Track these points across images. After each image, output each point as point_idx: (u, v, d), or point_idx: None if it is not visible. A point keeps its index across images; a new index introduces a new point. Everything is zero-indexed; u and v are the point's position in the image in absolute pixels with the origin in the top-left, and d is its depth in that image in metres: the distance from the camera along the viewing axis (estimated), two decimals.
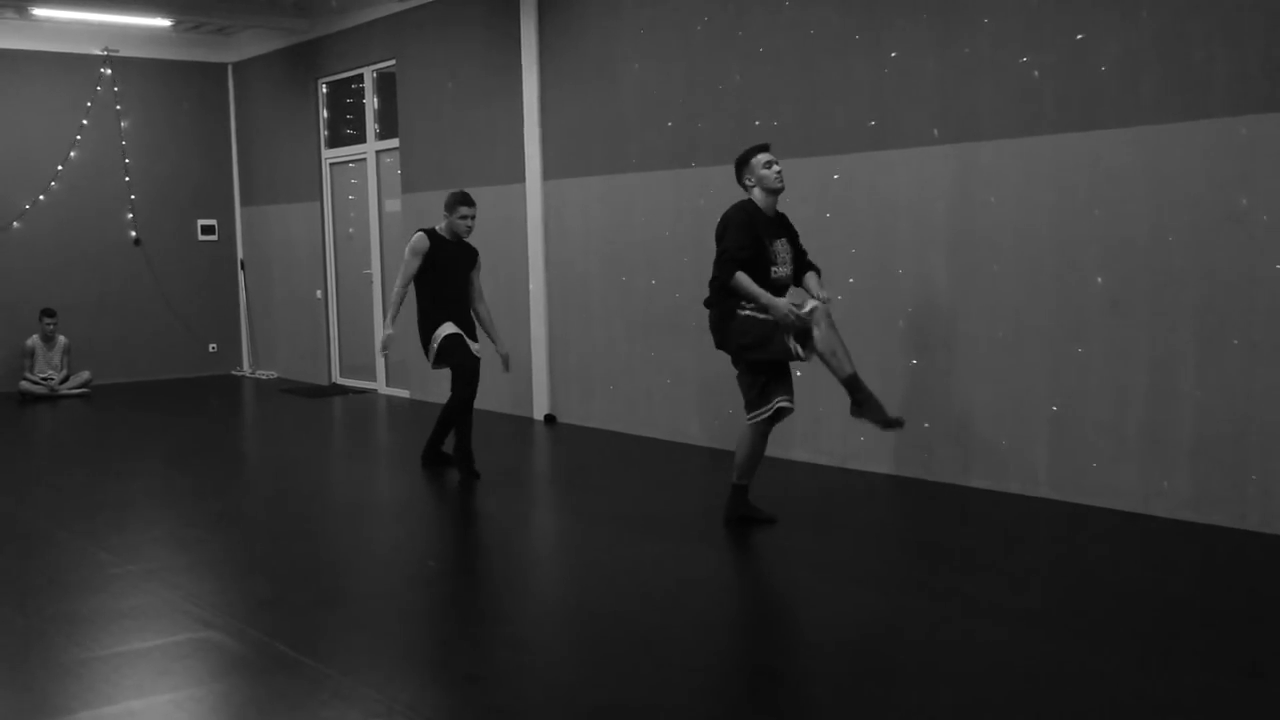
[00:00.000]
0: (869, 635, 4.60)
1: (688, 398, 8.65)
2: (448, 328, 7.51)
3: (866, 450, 7.40)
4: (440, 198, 11.02)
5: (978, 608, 4.77)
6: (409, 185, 11.44)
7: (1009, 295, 6.67)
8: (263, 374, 13.96)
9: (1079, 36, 6.25)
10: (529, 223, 9.97)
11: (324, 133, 12.86)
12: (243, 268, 14.34)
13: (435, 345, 7.51)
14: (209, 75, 14.06)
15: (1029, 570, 5.37)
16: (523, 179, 10.01)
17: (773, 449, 7.95)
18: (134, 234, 13.53)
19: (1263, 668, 4.06)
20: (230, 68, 14.18)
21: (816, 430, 7.72)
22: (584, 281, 9.56)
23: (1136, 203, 6.10)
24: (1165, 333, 6.02)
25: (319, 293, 13.07)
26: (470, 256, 7.76)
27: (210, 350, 14.20)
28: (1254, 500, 5.70)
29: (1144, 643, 4.34)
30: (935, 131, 6.95)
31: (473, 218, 7.66)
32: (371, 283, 12.27)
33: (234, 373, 14.26)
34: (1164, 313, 6.01)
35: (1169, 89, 5.94)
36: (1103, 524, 6.02)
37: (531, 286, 9.98)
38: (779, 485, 7.02)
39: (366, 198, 12.33)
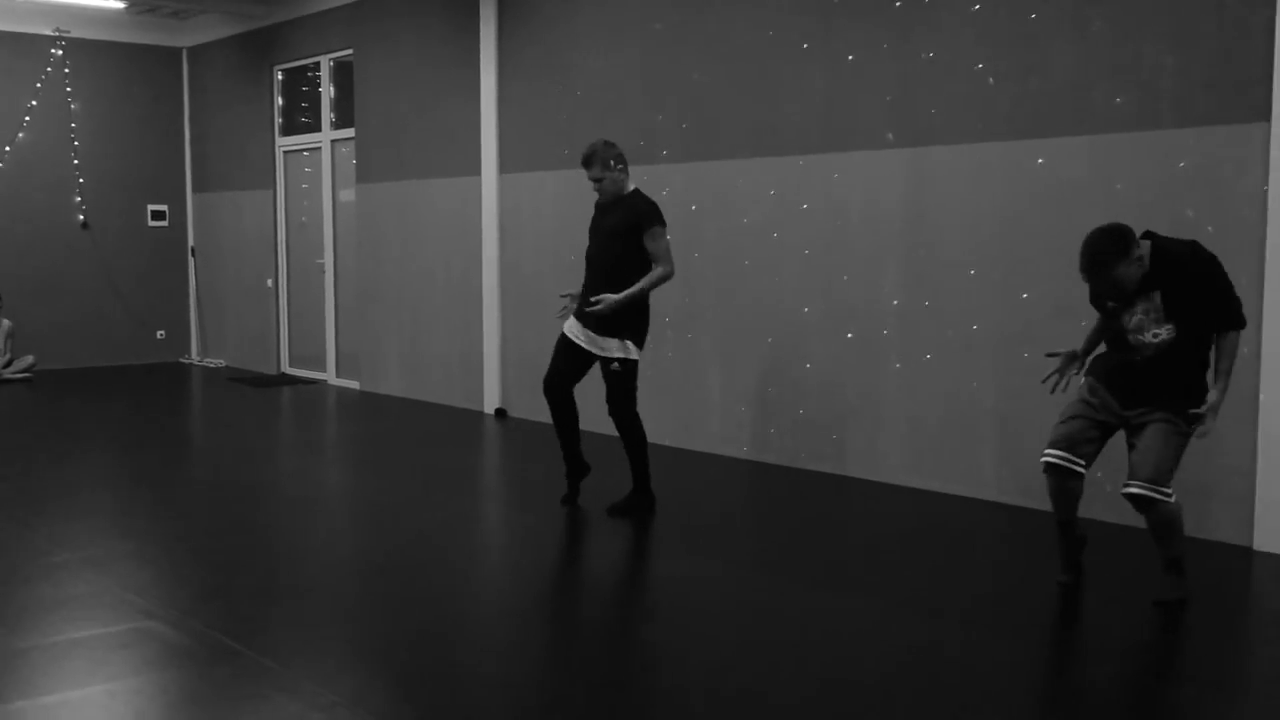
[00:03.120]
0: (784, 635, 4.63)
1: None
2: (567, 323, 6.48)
3: (816, 451, 7.43)
4: (396, 188, 11.05)
5: (891, 600, 4.82)
6: (364, 175, 11.36)
7: (958, 299, 6.73)
8: (211, 362, 13.82)
9: (1033, 44, 6.32)
10: (484, 216, 9.93)
11: (279, 120, 12.73)
12: (193, 254, 14.17)
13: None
14: (163, 59, 13.88)
15: (940, 566, 5.43)
16: (479, 172, 9.97)
17: (696, 443, 8.00)
18: (82, 218, 13.33)
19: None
20: (185, 52, 14.00)
21: (765, 431, 7.75)
22: (537, 275, 9.54)
23: (1086, 211, 6.15)
24: None
25: (270, 281, 12.95)
26: (620, 217, 6.23)
27: (158, 337, 14.02)
28: (1200, 507, 5.78)
29: (1072, 640, 4.40)
30: (889, 135, 7.00)
31: (592, 180, 6.30)
32: (324, 272, 12.18)
33: (182, 360, 14.10)
34: None
35: (1120, 99, 6.02)
36: (1037, 524, 6.09)
37: (485, 279, 9.95)
38: (703, 480, 7.06)
39: (320, 187, 12.22)
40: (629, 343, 6.18)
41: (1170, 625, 4.65)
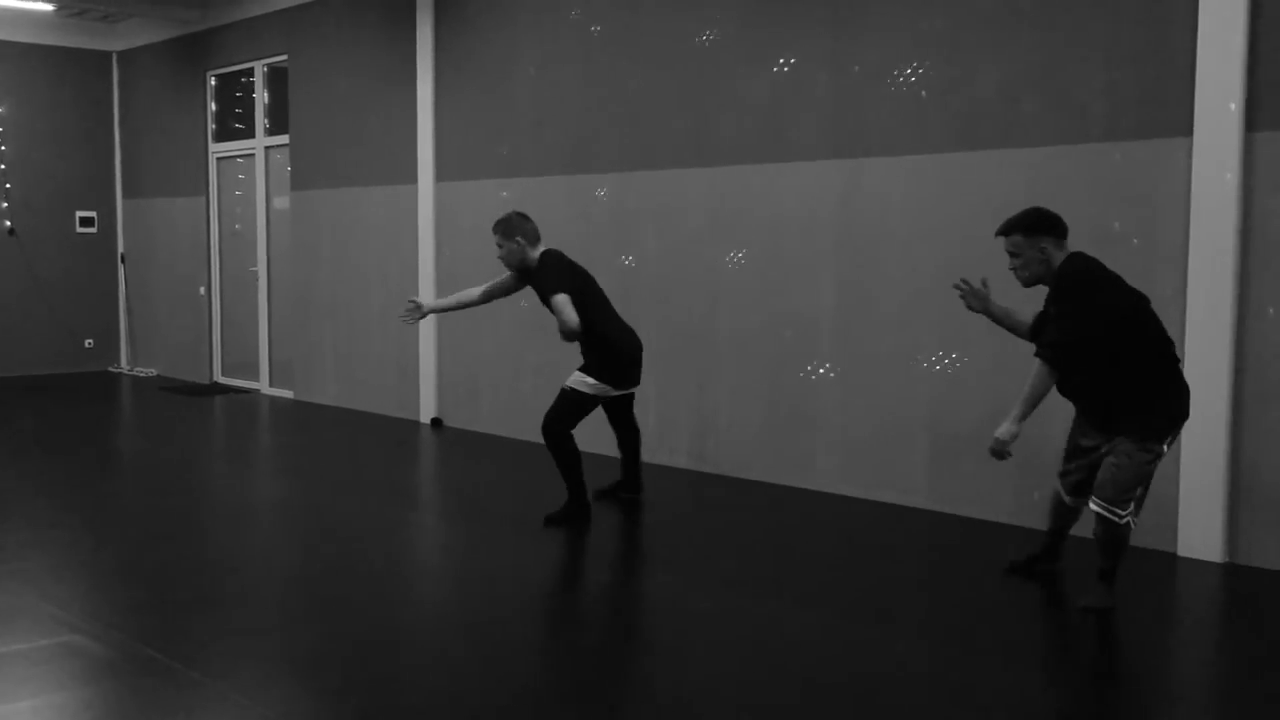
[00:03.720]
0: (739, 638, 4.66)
1: None
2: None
3: (753, 460, 7.47)
4: (331, 196, 10.95)
5: (810, 603, 4.86)
6: (299, 183, 11.25)
7: (893, 308, 6.81)
8: (141, 371, 13.59)
9: (964, 59, 6.41)
10: (420, 224, 9.88)
11: (211, 126, 12.58)
12: (123, 261, 13.94)
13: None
14: (93, 63, 13.65)
15: (888, 576, 5.49)
16: (415, 180, 9.92)
17: (648, 454, 8.02)
18: (8, 224, 13.06)
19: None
20: (115, 56, 13.79)
21: (704, 437, 7.78)
22: (473, 284, 9.48)
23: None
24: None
25: (202, 289, 12.78)
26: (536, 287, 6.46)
27: (86, 345, 13.78)
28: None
29: (993, 647, 4.46)
30: (824, 146, 7.07)
31: (498, 246, 6.45)
32: (258, 280, 12.04)
33: (111, 369, 13.86)
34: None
35: (1048, 113, 6.13)
36: (967, 531, 6.17)
37: (421, 288, 9.89)
38: (662, 492, 7.07)
39: (254, 194, 12.09)
40: (588, 377, 6.37)
41: (1097, 631, 4.73)
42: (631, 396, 6.75)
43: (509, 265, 6.48)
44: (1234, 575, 5.46)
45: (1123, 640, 4.70)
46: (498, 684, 4.12)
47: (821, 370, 7.15)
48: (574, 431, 6.34)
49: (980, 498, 6.48)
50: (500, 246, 6.42)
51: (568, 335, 6.09)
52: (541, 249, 6.41)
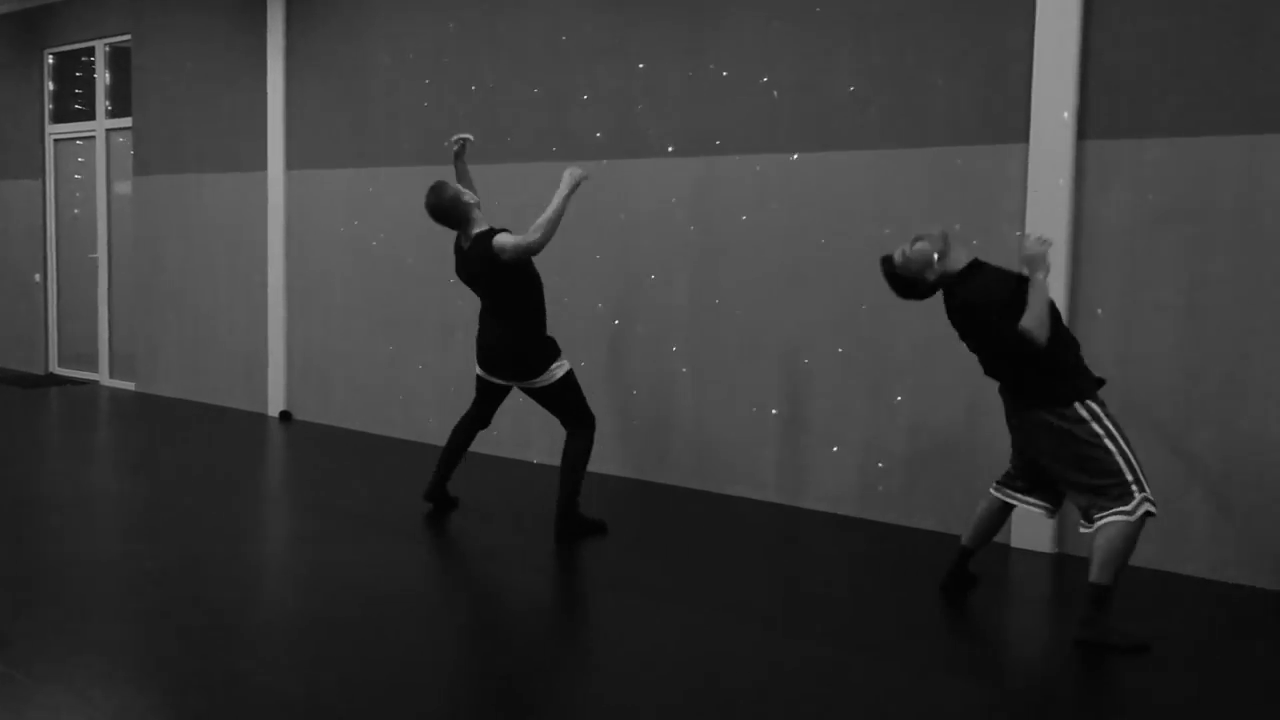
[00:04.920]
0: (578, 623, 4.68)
1: (426, 396, 8.56)
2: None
3: (608, 454, 7.50)
4: (177, 181, 10.62)
5: (653, 595, 4.93)
6: (142, 168, 10.87)
7: (743, 307, 6.92)
8: None
9: (814, 61, 6.55)
10: (269, 213, 9.66)
11: (49, 106, 12.07)
12: None
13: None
14: None
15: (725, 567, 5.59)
16: (265, 168, 9.69)
17: (506, 450, 8.00)
18: None
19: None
20: None
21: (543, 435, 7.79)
22: (325, 275, 9.34)
23: (863, 224, 6.43)
24: (884, 348, 6.38)
25: (38, 276, 12.26)
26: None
27: None
28: (959, 507, 6.09)
29: (842, 638, 4.58)
30: (677, 144, 7.14)
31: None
32: (98, 268, 11.60)
33: None
34: (885, 327, 6.37)
35: (894, 117, 6.30)
36: (814, 524, 6.32)
37: (270, 278, 9.67)
38: (510, 486, 7.05)
39: (95, 178, 11.64)
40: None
41: (947, 617, 4.90)
42: (498, 396, 6.37)
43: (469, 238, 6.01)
44: (1062, 565, 5.71)
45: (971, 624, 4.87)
46: (344, 683, 4.07)
47: (674, 365, 7.22)
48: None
49: (828, 492, 6.63)
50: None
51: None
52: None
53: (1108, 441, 4.48)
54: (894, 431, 6.38)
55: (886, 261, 4.90)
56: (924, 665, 4.32)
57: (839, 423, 6.57)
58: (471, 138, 6.31)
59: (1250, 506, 5.36)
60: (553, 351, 6.04)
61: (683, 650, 4.44)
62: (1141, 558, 5.46)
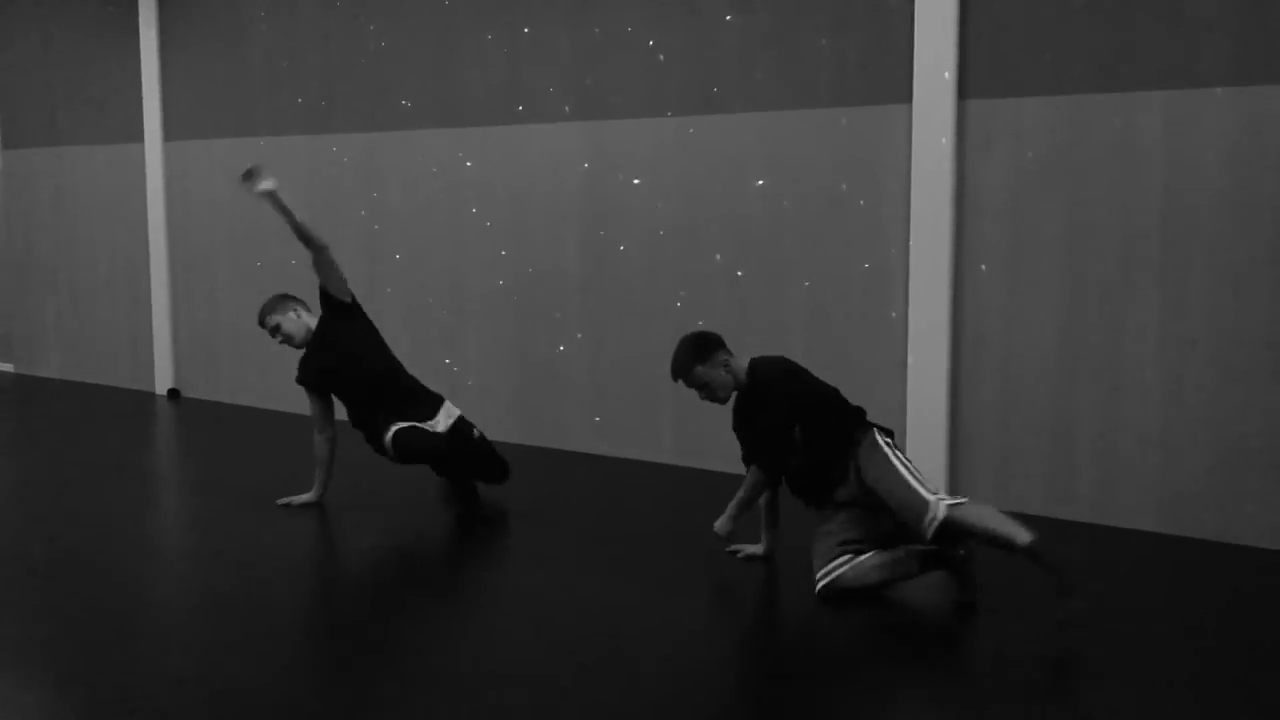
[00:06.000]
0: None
1: None
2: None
3: (505, 419, 7.46)
4: (49, 154, 10.25)
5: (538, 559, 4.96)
6: (10, 141, 10.48)
7: (636, 270, 6.92)
8: None
9: (700, 24, 6.55)
10: (148, 185, 9.38)
11: None
12: None
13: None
14: None
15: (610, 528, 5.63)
16: (141, 139, 9.40)
17: None
18: None
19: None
20: None
21: None
22: (209, 248, 9.11)
23: (753, 185, 6.47)
24: (778, 307, 6.44)
25: None
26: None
27: None
28: None
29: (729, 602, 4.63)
30: (566, 108, 7.09)
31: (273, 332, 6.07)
32: None
33: None
34: (778, 288, 6.43)
35: (780, 78, 6.34)
36: (708, 483, 6.38)
37: (152, 252, 9.41)
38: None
39: None
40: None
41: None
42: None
43: (299, 341, 6.04)
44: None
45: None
46: (242, 662, 4.01)
47: (569, 331, 7.21)
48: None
49: (724, 452, 6.69)
50: (275, 329, 5.97)
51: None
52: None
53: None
54: None
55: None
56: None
57: None
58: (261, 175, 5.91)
59: (1130, 452, 5.54)
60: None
61: (586, 618, 4.46)
62: (1030, 505, 5.62)
